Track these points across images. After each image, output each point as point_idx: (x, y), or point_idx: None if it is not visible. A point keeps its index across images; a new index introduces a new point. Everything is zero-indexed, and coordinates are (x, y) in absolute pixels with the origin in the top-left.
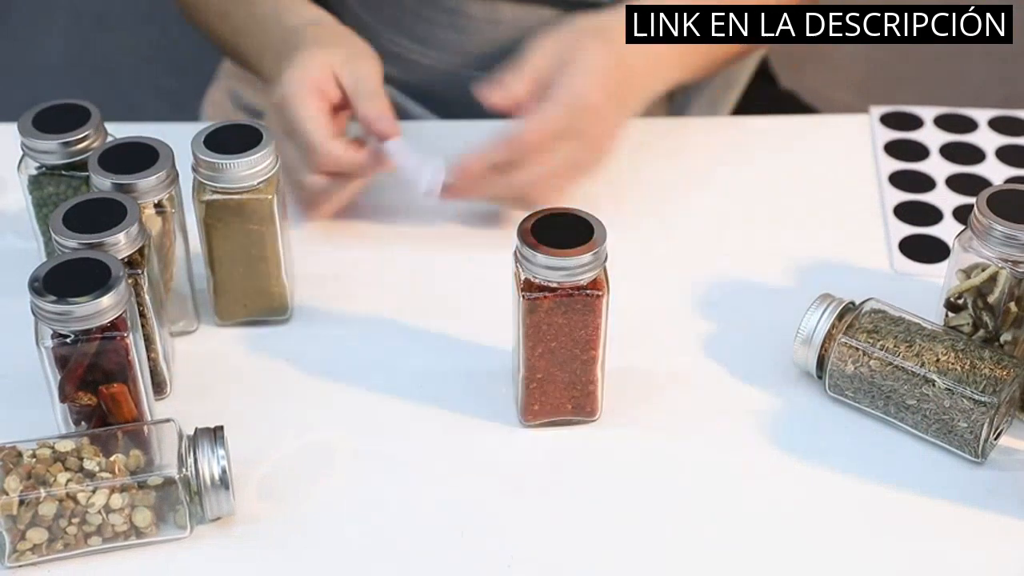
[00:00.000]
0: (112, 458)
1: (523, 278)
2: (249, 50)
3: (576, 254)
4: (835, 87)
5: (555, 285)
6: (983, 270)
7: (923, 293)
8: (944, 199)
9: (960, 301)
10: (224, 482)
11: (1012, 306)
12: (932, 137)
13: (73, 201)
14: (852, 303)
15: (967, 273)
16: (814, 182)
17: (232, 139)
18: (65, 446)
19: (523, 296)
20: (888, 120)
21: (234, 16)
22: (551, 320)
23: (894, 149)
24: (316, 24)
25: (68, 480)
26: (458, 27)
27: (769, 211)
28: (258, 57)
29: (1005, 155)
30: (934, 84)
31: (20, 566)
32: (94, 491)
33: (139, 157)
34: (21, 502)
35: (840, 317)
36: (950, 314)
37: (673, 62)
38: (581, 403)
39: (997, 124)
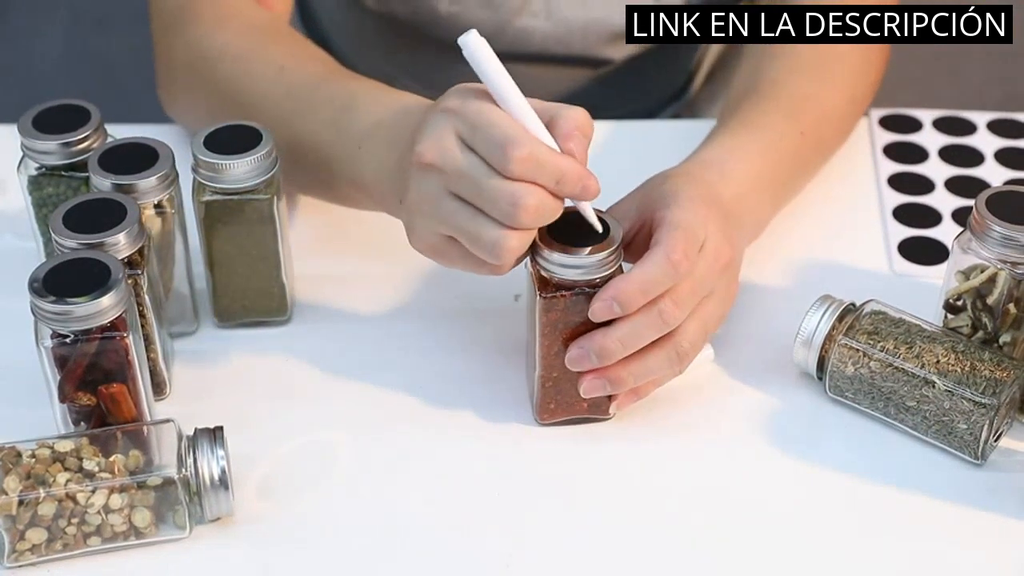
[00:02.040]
0: (111, 458)
1: (539, 277)
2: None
3: (593, 252)
4: None
5: (571, 283)
6: (982, 271)
7: (923, 294)
8: (943, 201)
9: (959, 302)
10: (224, 482)
11: (1011, 307)
12: (931, 140)
13: (73, 201)
14: (852, 304)
15: (966, 274)
16: (814, 184)
17: (232, 140)
18: (64, 446)
19: (540, 295)
20: (887, 123)
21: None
22: (568, 319)
23: (893, 151)
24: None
25: (67, 480)
26: (475, 78)
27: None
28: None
29: (1004, 158)
30: (934, 84)
31: (19, 566)
32: (93, 491)
33: (139, 157)
34: (20, 502)
35: (840, 318)
36: (949, 315)
37: (765, 206)
38: (596, 402)
39: (996, 127)
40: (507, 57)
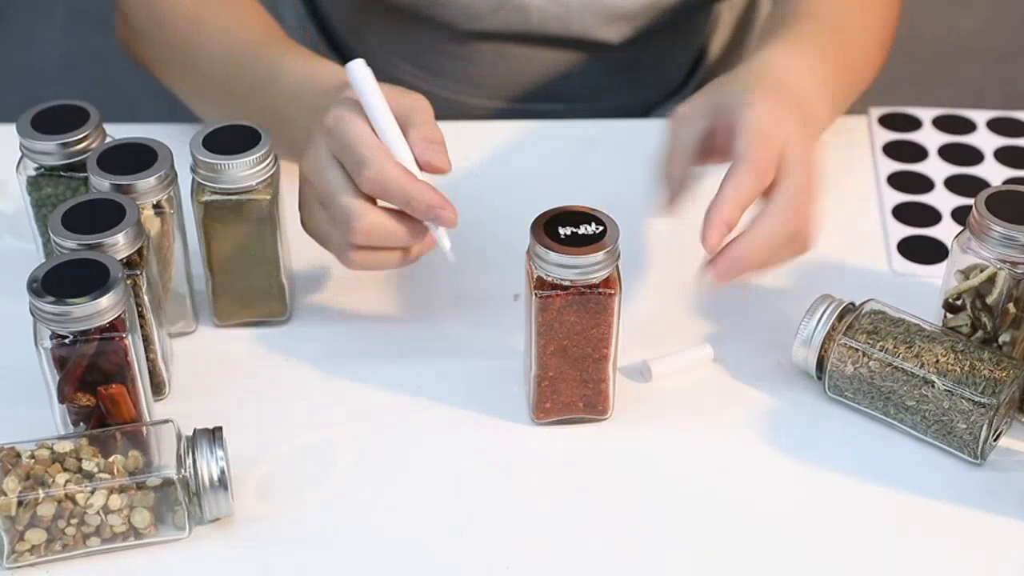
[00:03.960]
0: (111, 459)
1: (536, 276)
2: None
3: (589, 252)
4: None
5: (568, 283)
6: (981, 271)
7: (922, 294)
8: (943, 200)
9: (959, 302)
10: (223, 483)
11: (1010, 307)
12: (931, 138)
13: (72, 202)
14: (852, 304)
15: (966, 274)
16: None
17: (231, 140)
18: (64, 447)
19: (536, 294)
20: (886, 121)
21: (247, 97)
22: (563, 318)
23: (893, 150)
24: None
25: (67, 481)
26: (469, 60)
27: None
28: (283, 121)
29: (1004, 156)
30: (934, 84)
31: (19, 567)
32: (93, 492)
33: (138, 158)
34: (20, 503)
35: (840, 318)
36: (949, 315)
37: (824, 111)
38: (593, 401)
39: (996, 125)
40: (504, 37)
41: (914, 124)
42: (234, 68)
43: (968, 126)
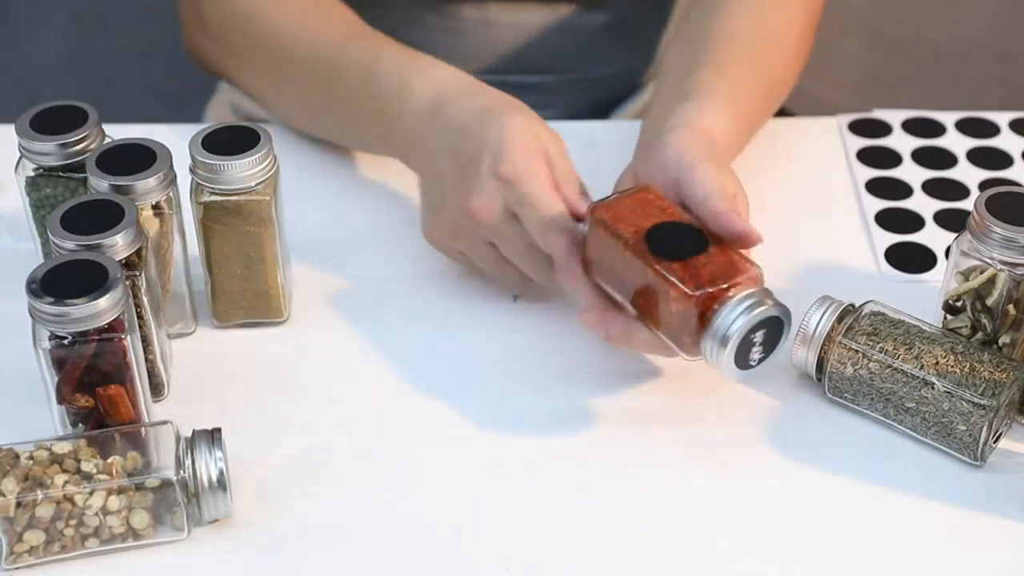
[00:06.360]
0: (109, 460)
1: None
2: (370, 129)
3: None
4: (834, 90)
5: None
6: (981, 272)
7: (921, 296)
8: (923, 205)
9: (959, 303)
10: (222, 484)
11: (1010, 308)
12: (903, 143)
13: (71, 203)
14: (852, 305)
15: (965, 276)
16: (814, 184)
17: (230, 140)
18: (62, 448)
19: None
20: (856, 127)
21: (340, 101)
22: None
23: (867, 156)
24: (477, 86)
25: (65, 482)
26: (452, 30)
27: (770, 214)
28: (389, 130)
29: (976, 157)
30: (933, 85)
31: (17, 568)
32: (91, 493)
33: (137, 158)
34: (18, 504)
35: (840, 319)
36: (949, 316)
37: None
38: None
39: (964, 126)
40: None
41: (885, 129)
42: (325, 68)
43: (938, 129)
